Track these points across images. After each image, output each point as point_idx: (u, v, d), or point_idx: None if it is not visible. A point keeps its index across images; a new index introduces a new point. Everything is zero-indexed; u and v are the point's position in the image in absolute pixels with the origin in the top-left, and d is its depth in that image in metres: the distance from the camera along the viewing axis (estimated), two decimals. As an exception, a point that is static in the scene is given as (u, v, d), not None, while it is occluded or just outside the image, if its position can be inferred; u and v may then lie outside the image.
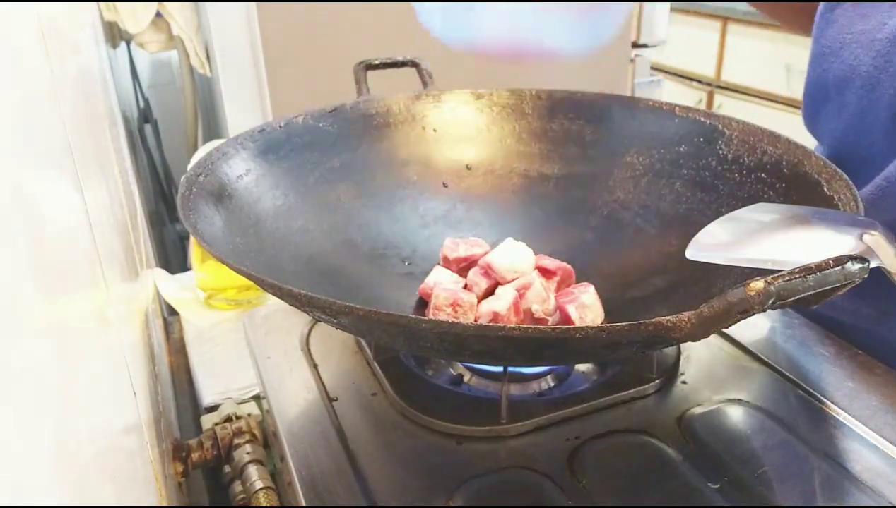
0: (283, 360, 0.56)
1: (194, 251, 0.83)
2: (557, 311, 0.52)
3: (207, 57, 1.17)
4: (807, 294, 0.31)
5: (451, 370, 0.53)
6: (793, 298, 0.31)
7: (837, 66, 0.60)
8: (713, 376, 0.52)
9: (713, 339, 0.56)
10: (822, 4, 0.62)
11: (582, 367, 0.53)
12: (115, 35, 1.29)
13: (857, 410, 0.48)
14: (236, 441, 0.57)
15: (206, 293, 0.82)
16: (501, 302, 0.51)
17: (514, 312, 0.51)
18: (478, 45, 0.56)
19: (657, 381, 0.51)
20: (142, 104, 1.60)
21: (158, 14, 1.16)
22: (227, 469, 0.59)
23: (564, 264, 0.56)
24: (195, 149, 1.36)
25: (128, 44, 1.48)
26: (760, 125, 0.57)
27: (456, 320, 0.50)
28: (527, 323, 0.52)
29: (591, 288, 0.52)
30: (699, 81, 2.45)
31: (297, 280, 0.52)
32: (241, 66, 1.04)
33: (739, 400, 0.50)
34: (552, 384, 0.52)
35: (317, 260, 0.56)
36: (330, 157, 0.63)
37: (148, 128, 1.59)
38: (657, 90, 1.44)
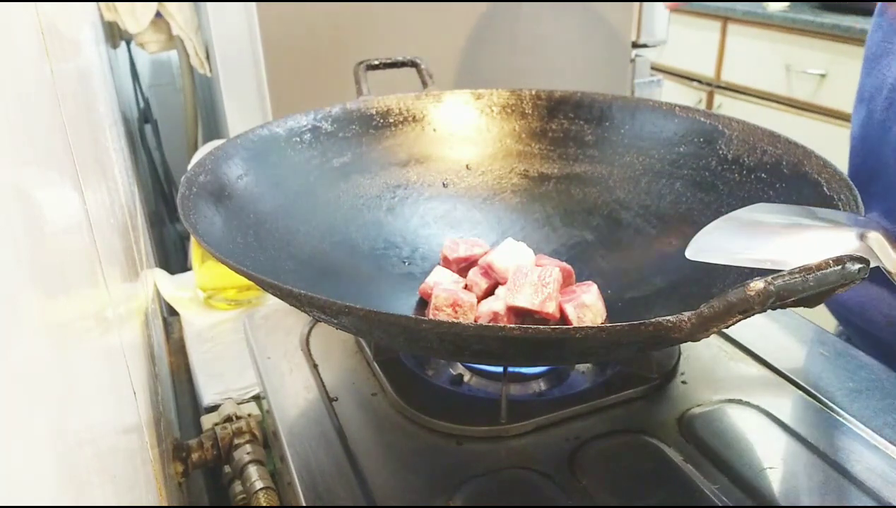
0: (283, 360, 0.56)
1: (194, 251, 0.83)
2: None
3: (207, 57, 1.17)
4: (807, 294, 0.31)
5: (451, 370, 0.53)
6: (793, 298, 0.31)
7: (875, 74, 0.61)
8: (713, 376, 0.52)
9: (713, 339, 0.56)
10: (878, 5, 0.63)
11: (582, 367, 0.53)
12: (115, 35, 1.29)
13: (857, 410, 0.48)
14: (236, 441, 0.57)
15: (206, 293, 0.82)
16: (501, 302, 0.51)
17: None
18: None
19: (657, 381, 0.51)
20: (142, 104, 1.60)
21: (158, 14, 1.16)
22: (227, 469, 0.59)
23: (564, 264, 0.56)
24: (195, 149, 1.36)
25: (128, 44, 1.48)
26: (760, 125, 0.57)
27: (456, 320, 0.50)
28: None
29: (594, 288, 0.52)
30: (699, 81, 2.44)
31: (297, 280, 0.52)
32: (241, 66, 1.04)
33: (739, 400, 0.50)
34: (552, 384, 0.52)
35: (317, 260, 0.56)
36: (330, 157, 0.63)
37: (148, 128, 1.59)
38: (657, 90, 1.44)
